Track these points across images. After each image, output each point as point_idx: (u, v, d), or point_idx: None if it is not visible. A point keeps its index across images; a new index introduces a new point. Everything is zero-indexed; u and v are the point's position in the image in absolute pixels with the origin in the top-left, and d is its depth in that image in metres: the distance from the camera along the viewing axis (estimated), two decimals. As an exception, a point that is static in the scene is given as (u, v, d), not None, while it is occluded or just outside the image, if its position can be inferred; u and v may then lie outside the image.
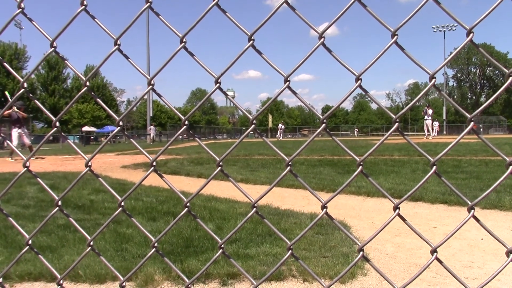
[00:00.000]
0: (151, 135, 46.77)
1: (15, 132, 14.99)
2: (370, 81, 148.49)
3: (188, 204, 1.13)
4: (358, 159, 1.03)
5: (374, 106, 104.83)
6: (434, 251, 1.03)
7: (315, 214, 4.79)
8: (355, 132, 79.43)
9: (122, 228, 4.11)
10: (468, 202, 0.98)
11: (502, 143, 18.30)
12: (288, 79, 1.03)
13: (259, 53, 1.03)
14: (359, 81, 0.99)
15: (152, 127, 47.78)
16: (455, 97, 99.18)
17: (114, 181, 8.00)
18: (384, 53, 0.97)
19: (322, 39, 1.00)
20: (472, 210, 0.99)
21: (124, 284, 1.16)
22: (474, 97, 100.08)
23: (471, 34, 0.92)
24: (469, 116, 0.95)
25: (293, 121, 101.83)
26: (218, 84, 1.07)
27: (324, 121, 1.02)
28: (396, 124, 1.00)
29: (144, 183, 7.03)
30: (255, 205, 1.08)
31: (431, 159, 0.99)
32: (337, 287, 2.82)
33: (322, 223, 4.08)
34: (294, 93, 1.03)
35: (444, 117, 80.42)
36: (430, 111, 28.53)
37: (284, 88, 1.03)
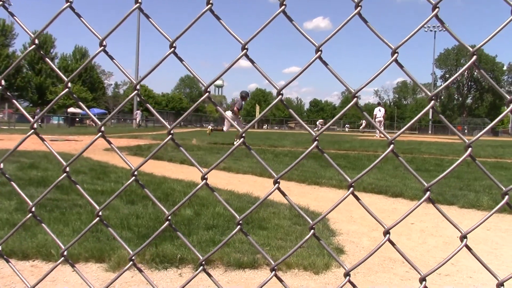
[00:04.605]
0: (137, 120, 46.48)
1: None
2: (360, 78, 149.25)
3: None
4: (350, 180, 1.05)
5: (361, 102, 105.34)
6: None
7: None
8: (346, 128, 79.30)
9: (99, 209, 4.06)
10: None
11: (485, 145, 18.52)
12: (281, 92, 1.03)
13: (252, 62, 1.03)
14: (355, 98, 0.99)
15: (138, 111, 47.46)
16: (442, 97, 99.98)
17: (96, 163, 7.93)
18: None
19: (319, 53, 0.99)
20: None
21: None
22: (460, 99, 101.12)
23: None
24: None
25: (280, 113, 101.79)
26: (207, 93, 1.09)
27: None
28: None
29: (126, 167, 6.97)
30: (240, 222, 1.10)
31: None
32: (311, 278, 2.83)
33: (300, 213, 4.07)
34: (287, 107, 1.03)
35: (430, 117, 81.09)
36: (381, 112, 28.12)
37: (277, 102, 1.04)
